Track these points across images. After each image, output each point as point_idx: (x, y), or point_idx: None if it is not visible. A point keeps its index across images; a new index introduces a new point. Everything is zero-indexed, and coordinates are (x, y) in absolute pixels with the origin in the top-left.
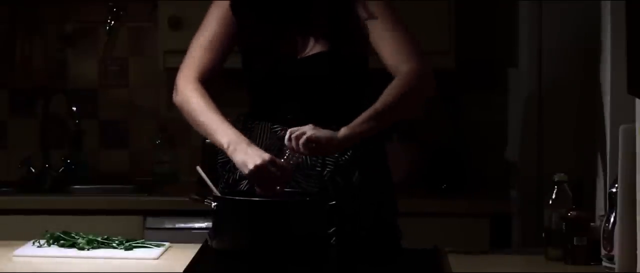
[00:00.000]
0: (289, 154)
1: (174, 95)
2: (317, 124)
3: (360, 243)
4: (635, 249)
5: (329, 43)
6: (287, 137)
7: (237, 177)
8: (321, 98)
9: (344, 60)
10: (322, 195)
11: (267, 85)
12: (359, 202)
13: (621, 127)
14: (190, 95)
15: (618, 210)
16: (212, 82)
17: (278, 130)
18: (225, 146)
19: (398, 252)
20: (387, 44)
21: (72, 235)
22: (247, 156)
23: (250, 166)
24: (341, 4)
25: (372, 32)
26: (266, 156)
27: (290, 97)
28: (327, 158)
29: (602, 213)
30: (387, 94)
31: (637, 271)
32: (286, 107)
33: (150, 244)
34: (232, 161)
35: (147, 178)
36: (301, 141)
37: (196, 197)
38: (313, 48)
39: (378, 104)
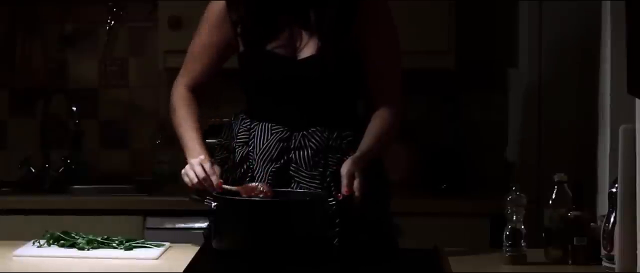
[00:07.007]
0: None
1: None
2: (316, 124)
3: (359, 243)
4: (635, 249)
5: (328, 45)
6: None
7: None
8: (320, 99)
9: (342, 63)
10: (322, 195)
11: (267, 86)
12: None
13: (621, 127)
14: (176, 105)
15: (618, 210)
16: (210, 83)
17: (279, 131)
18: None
19: (396, 252)
20: (384, 76)
21: (72, 235)
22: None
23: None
24: (343, 8)
25: (371, 51)
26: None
27: (289, 98)
28: (329, 159)
29: (602, 213)
30: (384, 134)
31: (637, 271)
32: (286, 108)
33: (150, 244)
34: (227, 162)
35: (147, 178)
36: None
37: (196, 197)
38: (312, 50)
39: (377, 139)
